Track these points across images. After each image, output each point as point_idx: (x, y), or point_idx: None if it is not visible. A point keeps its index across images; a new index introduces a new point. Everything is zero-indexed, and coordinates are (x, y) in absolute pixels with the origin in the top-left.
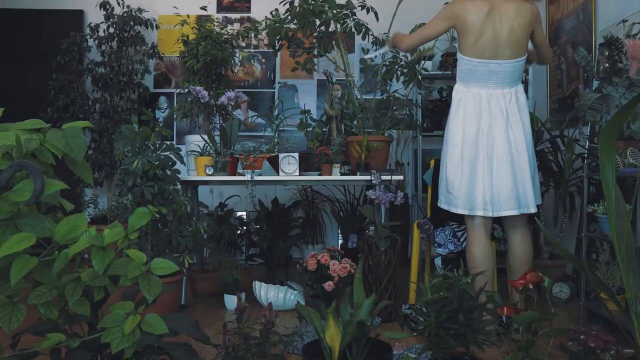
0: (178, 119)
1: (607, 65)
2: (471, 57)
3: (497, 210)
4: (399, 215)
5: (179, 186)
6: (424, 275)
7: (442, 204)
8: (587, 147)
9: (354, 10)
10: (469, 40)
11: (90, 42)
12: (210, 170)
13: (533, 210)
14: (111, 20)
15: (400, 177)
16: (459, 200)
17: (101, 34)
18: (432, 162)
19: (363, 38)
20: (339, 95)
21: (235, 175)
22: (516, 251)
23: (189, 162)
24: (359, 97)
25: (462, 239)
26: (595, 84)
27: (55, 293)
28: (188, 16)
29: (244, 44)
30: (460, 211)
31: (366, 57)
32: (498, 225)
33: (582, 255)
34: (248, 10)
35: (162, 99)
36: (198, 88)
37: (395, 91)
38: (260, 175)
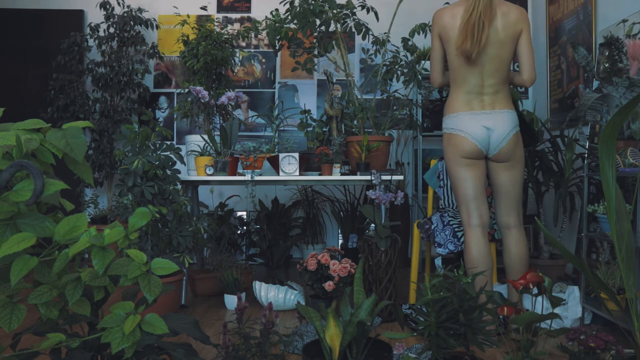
0: (178, 119)
1: (607, 65)
2: None
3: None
4: (399, 215)
5: (179, 186)
6: (424, 275)
7: None
8: (587, 147)
9: (354, 10)
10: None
11: (91, 42)
12: (210, 170)
13: None
14: (111, 20)
15: (401, 177)
16: None
17: (101, 34)
18: (432, 162)
19: (363, 38)
20: (339, 95)
21: (235, 175)
22: (510, 251)
23: (189, 162)
24: (359, 97)
25: (462, 239)
26: (596, 84)
27: (55, 293)
28: (188, 16)
29: (244, 44)
30: None
31: None
32: (498, 227)
33: (582, 255)
34: (248, 10)
35: (162, 98)
36: (198, 88)
37: (396, 91)
38: (260, 175)
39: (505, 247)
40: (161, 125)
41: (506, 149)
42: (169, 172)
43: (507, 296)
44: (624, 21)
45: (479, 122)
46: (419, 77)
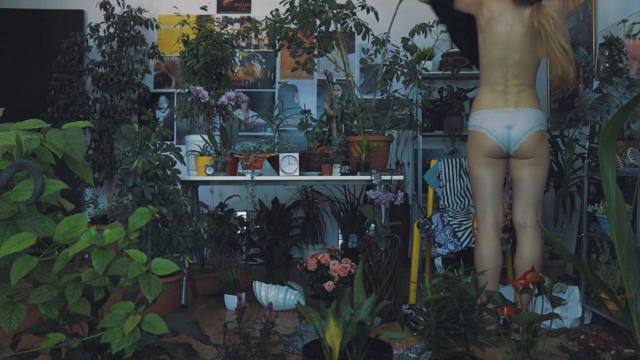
0: (178, 119)
1: (607, 65)
2: None
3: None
4: (399, 215)
5: (179, 186)
6: (424, 275)
7: None
8: (587, 147)
9: (354, 10)
10: None
11: (91, 42)
12: (210, 170)
13: None
14: (111, 20)
15: (401, 177)
16: None
17: (101, 34)
18: (433, 162)
19: (363, 38)
20: (339, 95)
21: (235, 175)
22: (523, 252)
23: (189, 162)
24: (359, 97)
25: (462, 239)
26: (596, 84)
27: (56, 293)
28: (188, 16)
29: (244, 44)
30: None
31: None
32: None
33: (582, 255)
34: (248, 10)
35: (162, 99)
36: (198, 88)
37: (396, 91)
38: (260, 175)
39: (518, 248)
40: (161, 125)
41: (526, 144)
42: (169, 172)
43: (512, 298)
44: (624, 21)
45: (500, 120)
46: (419, 77)
